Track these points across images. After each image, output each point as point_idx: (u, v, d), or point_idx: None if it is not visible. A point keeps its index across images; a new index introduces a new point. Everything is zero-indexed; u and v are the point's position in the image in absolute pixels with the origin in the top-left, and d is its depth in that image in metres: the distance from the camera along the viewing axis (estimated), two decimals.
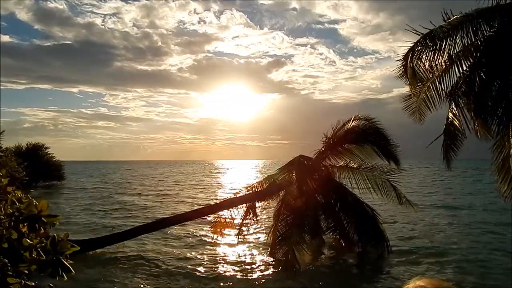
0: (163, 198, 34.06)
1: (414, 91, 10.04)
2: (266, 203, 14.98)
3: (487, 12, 8.74)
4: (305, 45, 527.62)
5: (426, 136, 10.74)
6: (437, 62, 8.93)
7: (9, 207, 2.40)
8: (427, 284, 1.33)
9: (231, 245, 15.39)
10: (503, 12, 8.67)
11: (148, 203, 30.27)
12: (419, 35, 9.11)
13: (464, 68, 9.05)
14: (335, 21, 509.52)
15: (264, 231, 17.68)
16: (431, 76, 9.52)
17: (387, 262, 13.19)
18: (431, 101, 9.89)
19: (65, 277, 2.29)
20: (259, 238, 16.80)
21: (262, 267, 12.65)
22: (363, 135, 14.13)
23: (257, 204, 14.52)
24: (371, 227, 13.79)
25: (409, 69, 9.18)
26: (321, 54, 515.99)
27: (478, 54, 8.91)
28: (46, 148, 45.41)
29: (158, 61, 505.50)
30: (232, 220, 14.38)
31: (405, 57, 9.43)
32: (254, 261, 13.43)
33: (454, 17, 8.92)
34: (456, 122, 9.36)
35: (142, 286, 10.96)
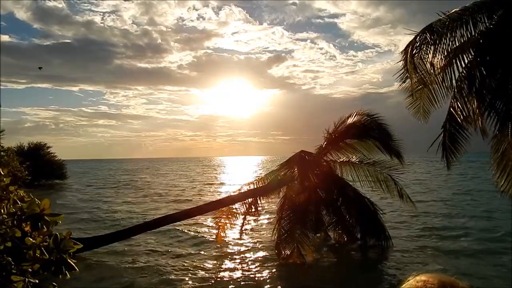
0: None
1: (416, 89, 9.89)
2: (269, 199, 14.97)
3: (487, 4, 8.67)
4: (305, 40, 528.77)
5: (431, 130, 10.49)
6: (438, 57, 8.84)
7: (11, 206, 2.42)
8: (429, 279, 1.27)
9: (234, 242, 15.40)
10: (503, 4, 8.59)
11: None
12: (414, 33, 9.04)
13: (466, 62, 8.98)
14: (335, 15, 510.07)
15: (267, 227, 17.71)
16: (432, 72, 9.41)
17: (389, 256, 13.20)
18: (434, 97, 9.76)
19: (68, 275, 2.30)
20: (262, 234, 16.81)
21: (266, 264, 12.64)
22: (365, 130, 14.09)
23: (259, 201, 14.50)
24: (373, 221, 13.82)
25: (410, 64, 9.09)
26: (321, 48, 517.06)
27: (478, 48, 8.84)
28: (48, 147, 45.64)
29: (158, 58, 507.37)
30: (234, 217, 14.36)
31: (405, 53, 9.32)
32: (258, 258, 13.44)
33: (454, 10, 8.85)
34: (457, 119, 9.22)
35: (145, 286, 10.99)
